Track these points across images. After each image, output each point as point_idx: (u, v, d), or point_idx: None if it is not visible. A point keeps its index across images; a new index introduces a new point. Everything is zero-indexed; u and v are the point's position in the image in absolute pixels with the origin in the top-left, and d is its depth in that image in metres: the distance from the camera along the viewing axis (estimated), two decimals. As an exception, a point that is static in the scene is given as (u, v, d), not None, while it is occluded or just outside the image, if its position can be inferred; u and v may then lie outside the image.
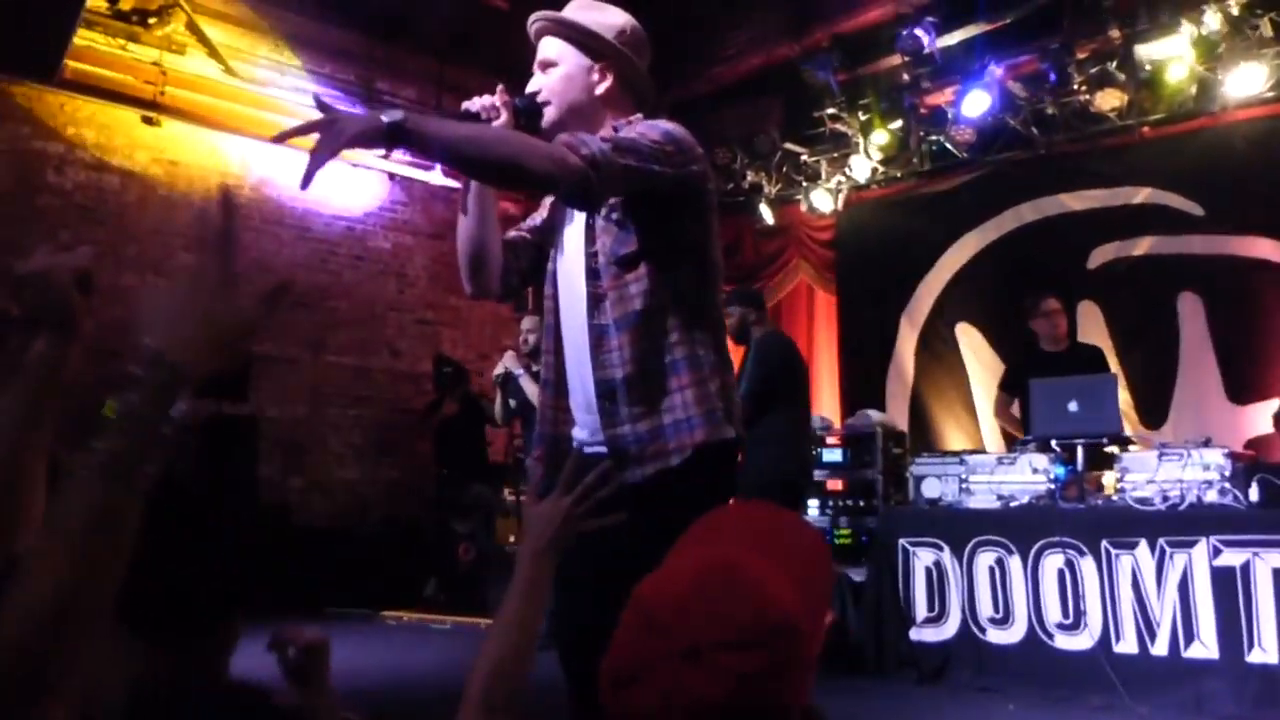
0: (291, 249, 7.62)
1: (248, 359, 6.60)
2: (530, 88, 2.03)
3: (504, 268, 2.11)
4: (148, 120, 6.97)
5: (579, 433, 2.07)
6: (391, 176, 8.18)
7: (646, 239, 1.97)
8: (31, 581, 0.84)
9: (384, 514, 7.60)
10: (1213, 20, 5.57)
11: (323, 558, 6.67)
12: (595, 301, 1.99)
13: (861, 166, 6.98)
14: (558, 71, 2.03)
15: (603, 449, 1.96)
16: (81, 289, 1.20)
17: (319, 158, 1.67)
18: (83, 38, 6.38)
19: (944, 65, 6.56)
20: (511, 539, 6.43)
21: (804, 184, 7.32)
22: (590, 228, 2.02)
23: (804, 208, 7.34)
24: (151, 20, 6.74)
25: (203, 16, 6.99)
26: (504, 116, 1.95)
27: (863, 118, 6.94)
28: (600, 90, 2.04)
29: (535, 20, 2.08)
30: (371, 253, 8.09)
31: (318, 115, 1.72)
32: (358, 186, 8.05)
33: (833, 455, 5.53)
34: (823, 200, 7.26)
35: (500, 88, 1.97)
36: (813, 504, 5.52)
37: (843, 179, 7.27)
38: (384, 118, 1.71)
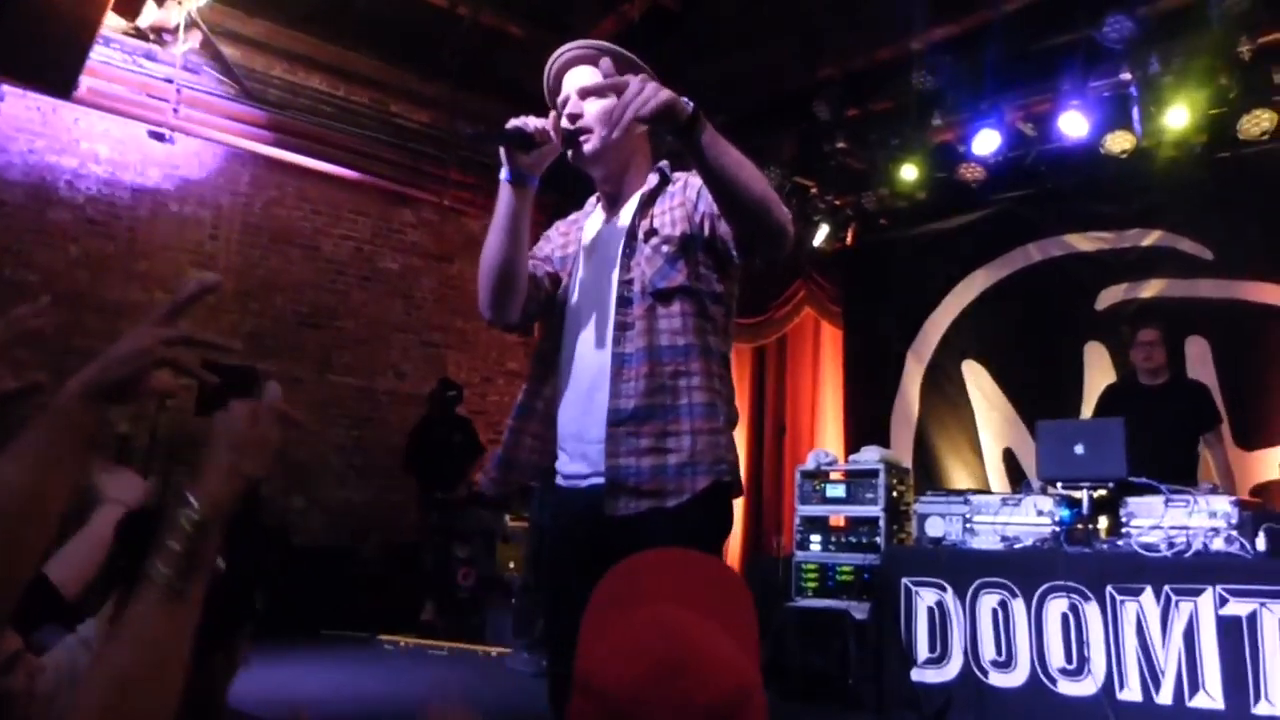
0: (300, 268, 7.65)
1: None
2: (570, 110, 1.98)
3: (526, 296, 2.04)
4: (160, 137, 7.01)
5: (568, 465, 2.00)
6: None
7: (691, 278, 1.95)
8: (96, 678, 0.97)
9: (384, 536, 7.58)
10: (1226, 66, 5.59)
11: (322, 579, 6.64)
12: (621, 329, 1.95)
13: (870, 202, 7.00)
14: (602, 103, 1.96)
15: (600, 480, 1.91)
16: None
17: (616, 119, 1.70)
18: (99, 54, 6.43)
19: (954, 103, 6.59)
20: (511, 565, 6.40)
21: (812, 218, 7.33)
22: (628, 255, 1.99)
23: (812, 242, 7.34)
24: (167, 38, 6.79)
25: (219, 36, 7.05)
26: (554, 140, 1.94)
27: (873, 153, 6.97)
28: (638, 130, 2.02)
29: (578, 48, 2.03)
30: (379, 273, 8.12)
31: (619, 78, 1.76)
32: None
33: (835, 491, 5.50)
34: (831, 235, 7.27)
35: (554, 113, 1.97)
36: (815, 539, 5.49)
37: (851, 214, 7.28)
38: (687, 103, 1.72)
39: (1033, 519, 4.66)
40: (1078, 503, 4.54)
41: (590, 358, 1.99)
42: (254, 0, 6.97)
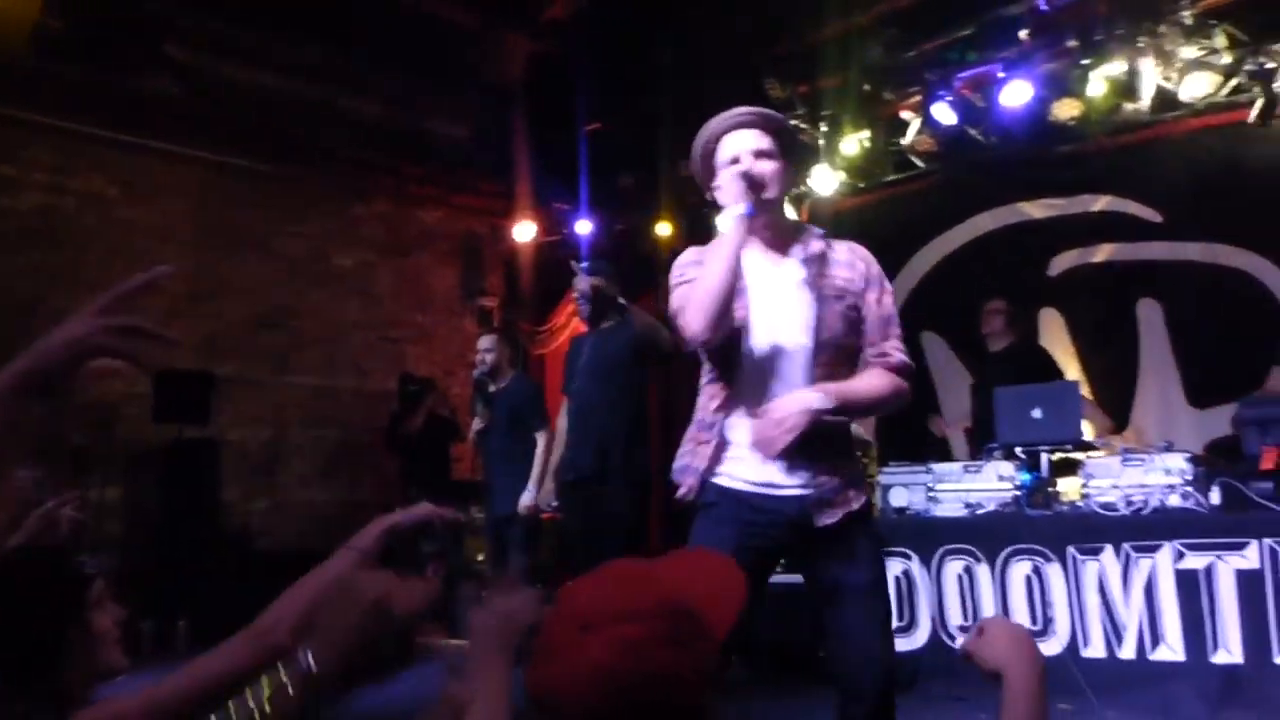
0: (254, 268, 7.54)
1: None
2: (746, 167, 2.32)
3: None
4: (108, 141, 6.87)
5: (758, 473, 2.31)
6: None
7: (861, 342, 2.39)
8: None
9: (350, 536, 7.51)
10: (1169, 30, 5.64)
11: (287, 582, 6.56)
12: (810, 369, 2.31)
13: (823, 177, 7.01)
14: (774, 165, 2.35)
15: (801, 491, 2.28)
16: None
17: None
18: (42, 58, 6.29)
19: (904, 77, 6.62)
20: (480, 557, 6.37)
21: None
22: (820, 307, 2.33)
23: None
24: (114, 40, 6.65)
25: (168, 37, 6.90)
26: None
27: (824, 129, 6.98)
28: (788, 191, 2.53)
29: (764, 115, 2.41)
30: (335, 271, 8.02)
31: None
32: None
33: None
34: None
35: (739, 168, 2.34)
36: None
37: (805, 189, 7.29)
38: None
39: (994, 484, 4.71)
40: (1037, 466, 4.60)
41: (782, 389, 2.30)
42: (196, -2, 6.84)
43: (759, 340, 2.34)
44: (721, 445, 2.35)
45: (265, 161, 7.56)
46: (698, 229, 7.71)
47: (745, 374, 2.34)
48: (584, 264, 4.93)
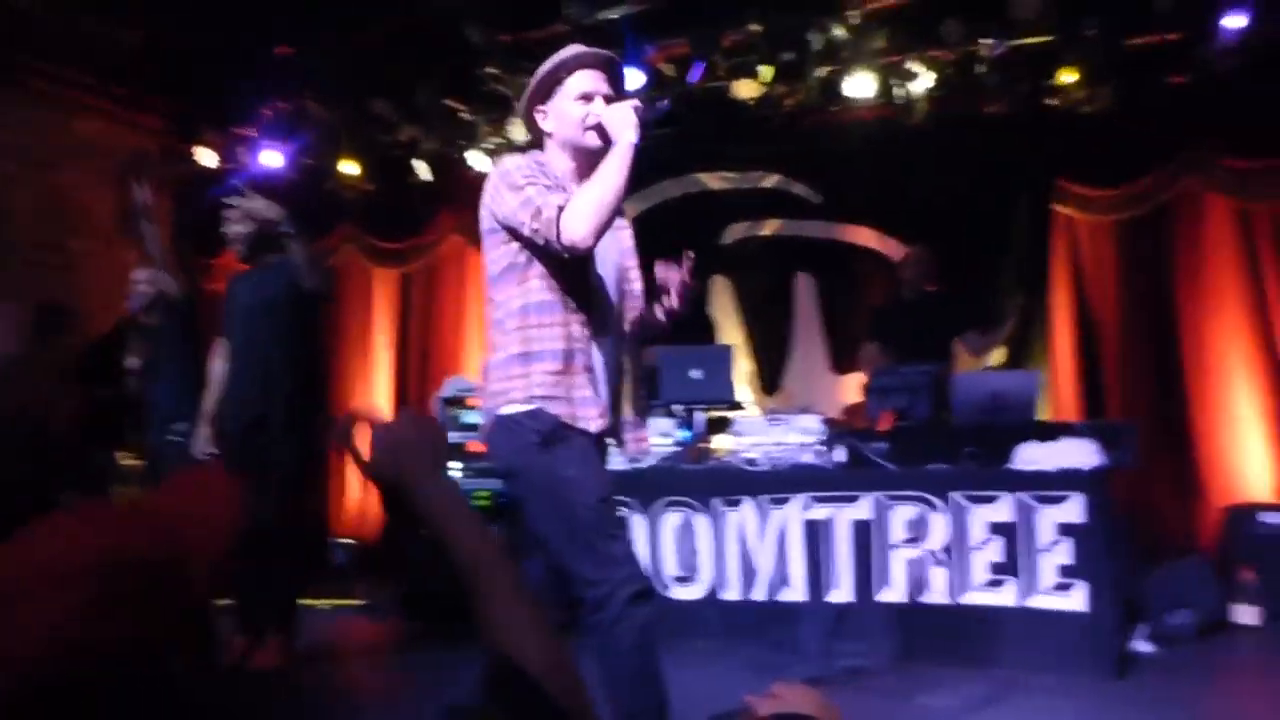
0: None
1: None
2: (635, 104, 2.52)
3: None
4: None
5: (599, 415, 2.52)
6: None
7: None
8: None
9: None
10: (836, 28, 6.13)
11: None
12: (620, 317, 2.69)
13: (519, 129, 7.01)
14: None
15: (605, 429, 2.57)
16: None
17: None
18: None
19: (606, 39, 6.72)
20: (127, 507, 5.89)
21: (462, 143, 7.24)
22: (626, 256, 2.77)
23: (463, 167, 7.26)
24: None
25: None
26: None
27: (523, 81, 6.97)
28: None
29: (614, 61, 2.67)
30: (-38, 181, 7.00)
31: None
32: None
33: (473, 417, 5.56)
34: (480, 160, 7.23)
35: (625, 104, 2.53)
36: (454, 466, 5.51)
37: (502, 140, 7.26)
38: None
39: (656, 440, 4.98)
40: (694, 423, 4.92)
41: (609, 330, 2.60)
42: None
43: (595, 278, 2.57)
44: (571, 376, 2.48)
45: None
46: (382, 168, 7.50)
47: (591, 303, 2.53)
48: (241, 194, 4.60)
